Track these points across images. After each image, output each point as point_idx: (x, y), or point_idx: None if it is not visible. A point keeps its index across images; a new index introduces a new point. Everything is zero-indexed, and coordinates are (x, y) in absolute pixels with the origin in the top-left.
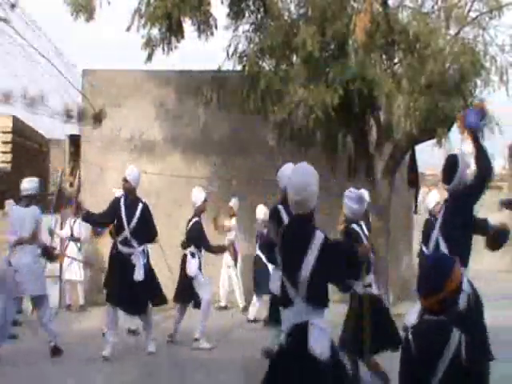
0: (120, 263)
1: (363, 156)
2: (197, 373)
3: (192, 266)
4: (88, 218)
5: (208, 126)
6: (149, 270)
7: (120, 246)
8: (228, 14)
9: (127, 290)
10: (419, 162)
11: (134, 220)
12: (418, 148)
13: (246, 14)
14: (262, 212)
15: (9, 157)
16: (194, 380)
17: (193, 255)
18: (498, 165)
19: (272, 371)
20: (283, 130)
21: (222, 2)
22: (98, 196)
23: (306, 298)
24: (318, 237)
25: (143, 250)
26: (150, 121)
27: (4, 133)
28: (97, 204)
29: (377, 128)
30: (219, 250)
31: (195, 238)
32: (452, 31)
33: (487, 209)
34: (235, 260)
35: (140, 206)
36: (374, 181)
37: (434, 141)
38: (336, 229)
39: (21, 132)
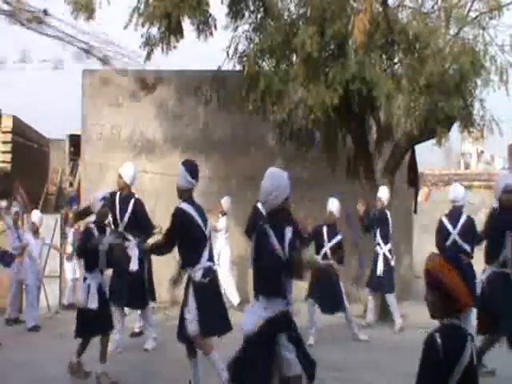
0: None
1: (363, 156)
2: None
3: None
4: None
5: (208, 126)
6: (149, 266)
7: None
8: (228, 14)
9: (126, 284)
10: (419, 162)
11: (126, 216)
12: (418, 148)
13: (246, 14)
14: None
15: (9, 157)
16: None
17: None
18: (498, 165)
19: None
20: (283, 130)
21: (222, 2)
22: None
23: None
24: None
25: (139, 243)
26: (149, 121)
27: (4, 133)
28: None
29: (377, 128)
30: None
31: None
32: (452, 31)
33: (487, 209)
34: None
35: (132, 201)
36: (373, 181)
37: (433, 141)
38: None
39: (21, 132)
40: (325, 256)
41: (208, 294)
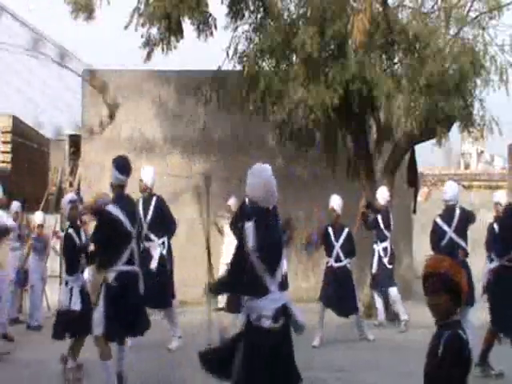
0: (143, 259)
1: (363, 156)
2: (197, 372)
3: None
4: None
5: (208, 126)
6: (171, 265)
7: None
8: (227, 14)
9: (149, 283)
10: (419, 162)
11: (149, 214)
12: (418, 148)
13: (246, 14)
14: None
15: (9, 157)
16: (193, 379)
17: None
18: (498, 165)
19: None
20: (283, 130)
21: (222, 2)
22: None
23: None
24: None
25: (163, 243)
26: (149, 121)
27: (4, 133)
28: None
29: (377, 128)
30: None
31: None
32: (452, 31)
33: (488, 209)
34: None
35: (154, 200)
36: (373, 181)
37: (433, 141)
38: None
39: (21, 132)
40: (337, 257)
41: (118, 298)
